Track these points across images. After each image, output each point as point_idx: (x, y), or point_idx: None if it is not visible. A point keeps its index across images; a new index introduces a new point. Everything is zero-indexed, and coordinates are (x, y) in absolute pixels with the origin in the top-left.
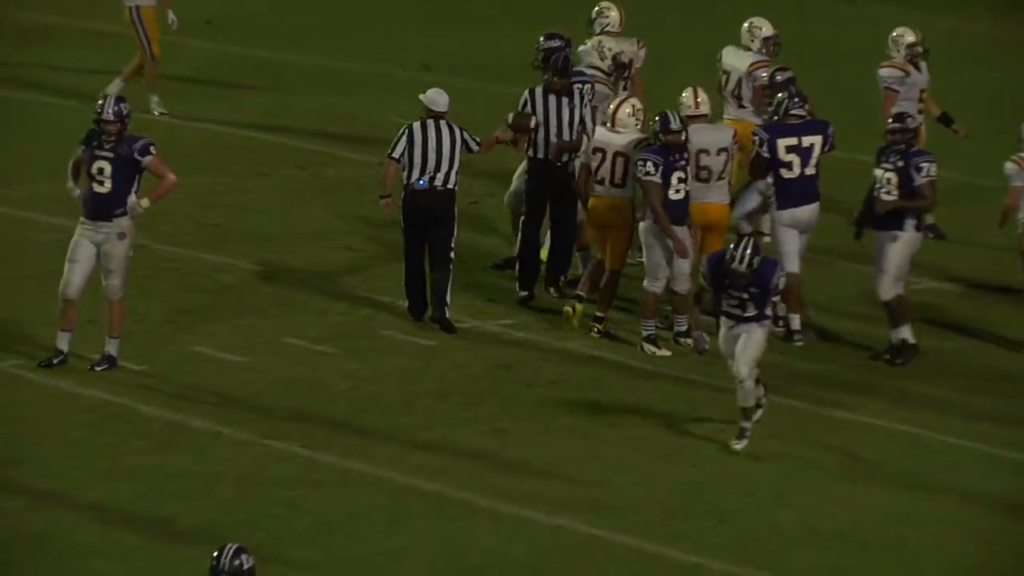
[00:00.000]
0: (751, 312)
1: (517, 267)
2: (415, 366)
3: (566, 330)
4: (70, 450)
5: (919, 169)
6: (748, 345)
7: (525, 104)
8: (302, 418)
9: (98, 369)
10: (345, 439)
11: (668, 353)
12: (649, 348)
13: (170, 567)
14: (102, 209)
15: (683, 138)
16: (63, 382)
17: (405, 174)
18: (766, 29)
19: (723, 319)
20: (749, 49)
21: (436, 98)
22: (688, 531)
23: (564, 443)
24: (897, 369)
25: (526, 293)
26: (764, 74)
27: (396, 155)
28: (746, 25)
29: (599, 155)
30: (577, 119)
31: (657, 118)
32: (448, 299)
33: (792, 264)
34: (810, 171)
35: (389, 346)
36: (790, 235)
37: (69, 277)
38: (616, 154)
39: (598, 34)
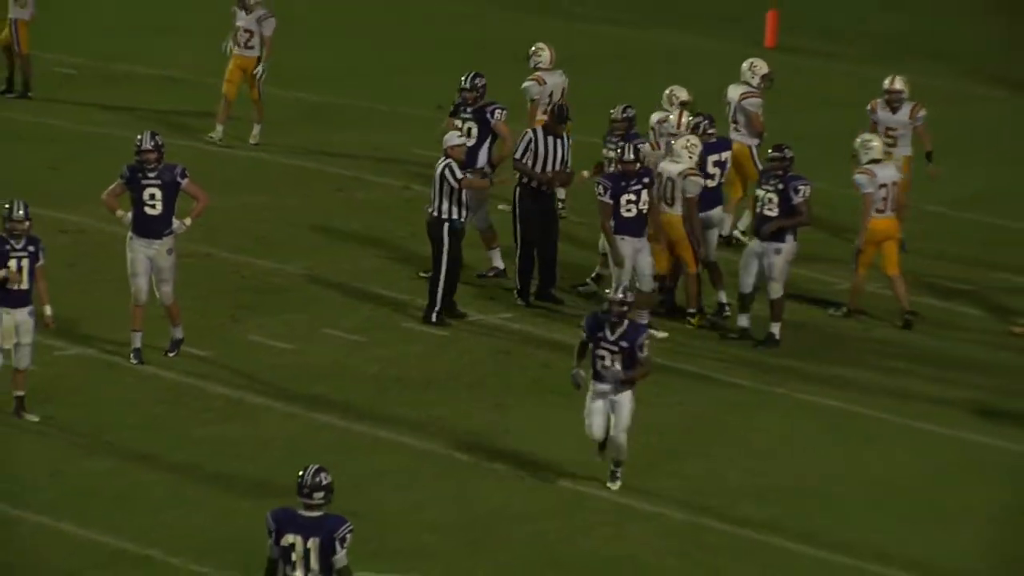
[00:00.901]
0: (615, 377)
1: (518, 278)
2: (431, 352)
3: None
4: (150, 422)
5: (796, 191)
6: (620, 415)
7: (531, 142)
8: (338, 394)
9: (171, 354)
10: (373, 412)
11: (663, 335)
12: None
13: (229, 516)
14: (155, 229)
15: (637, 167)
16: (146, 367)
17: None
18: (762, 67)
19: (592, 385)
20: (748, 84)
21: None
22: (655, 487)
23: (553, 415)
24: (831, 355)
25: (523, 303)
26: (751, 103)
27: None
28: (746, 64)
29: (660, 180)
30: (566, 158)
31: (618, 149)
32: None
33: (711, 255)
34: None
35: (409, 336)
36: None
37: (138, 288)
38: (669, 179)
39: (533, 69)
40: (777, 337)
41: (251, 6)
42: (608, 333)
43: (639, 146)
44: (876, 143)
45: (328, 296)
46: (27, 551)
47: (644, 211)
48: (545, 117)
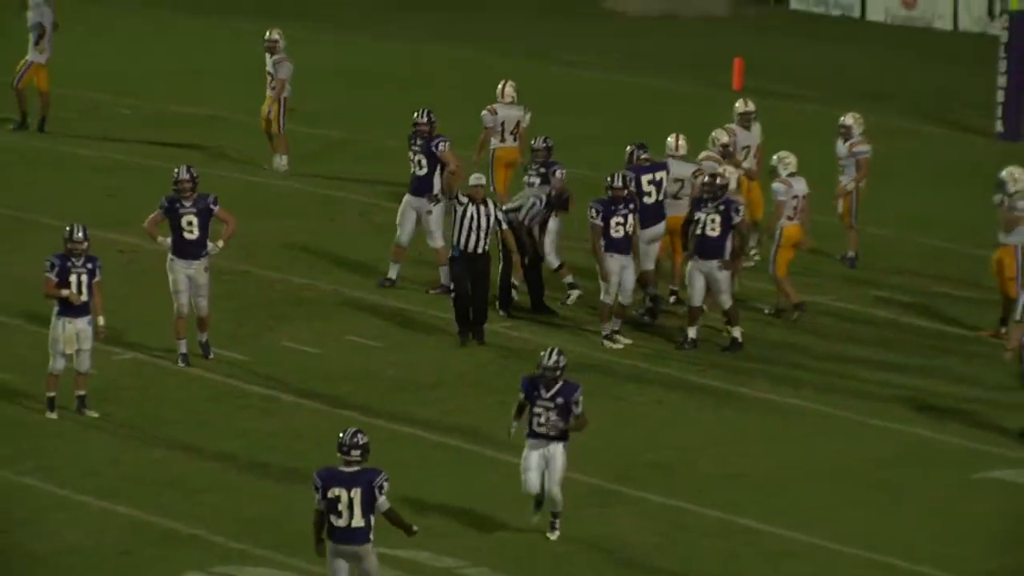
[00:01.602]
0: (555, 426)
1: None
2: (441, 357)
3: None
4: (195, 417)
5: (737, 211)
6: (554, 468)
7: (534, 205)
8: (360, 393)
9: (210, 357)
10: (390, 408)
11: (627, 342)
12: (607, 344)
13: (264, 499)
14: (192, 251)
15: (625, 193)
16: (191, 369)
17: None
18: (742, 107)
19: (528, 441)
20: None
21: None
22: (637, 475)
23: None
24: (790, 360)
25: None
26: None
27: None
28: (738, 103)
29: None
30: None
31: (609, 177)
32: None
33: (648, 264)
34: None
35: (422, 342)
36: (649, 247)
37: (180, 304)
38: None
39: (497, 103)
40: (740, 340)
41: (275, 51)
42: (543, 391)
43: (558, 172)
44: (792, 159)
45: (351, 307)
46: (91, 532)
47: (629, 232)
48: (496, 142)
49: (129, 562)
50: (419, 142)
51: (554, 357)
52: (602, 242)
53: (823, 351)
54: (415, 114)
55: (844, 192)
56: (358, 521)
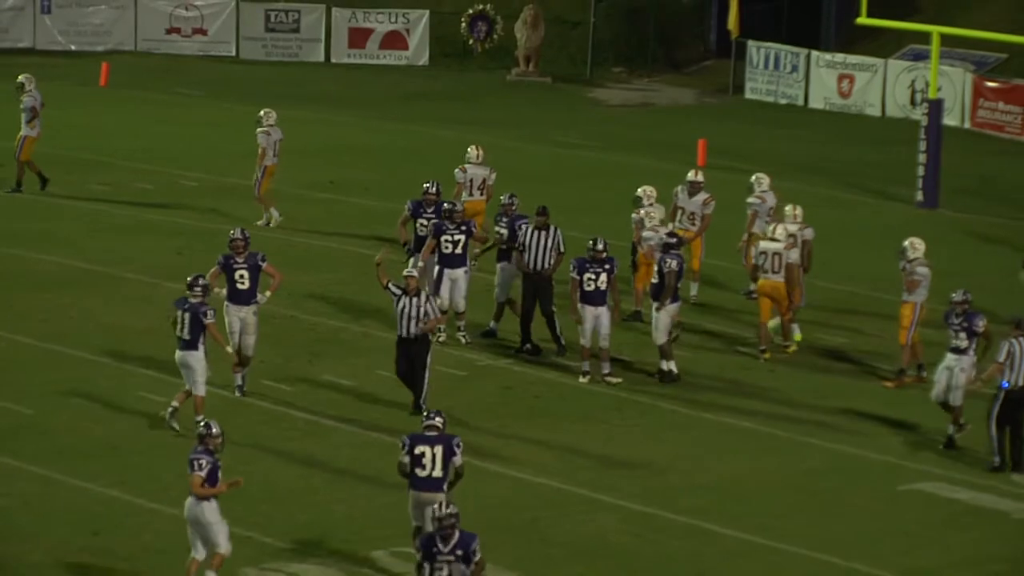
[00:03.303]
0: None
1: (522, 330)
2: (453, 387)
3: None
4: (249, 437)
5: (665, 263)
6: None
7: (526, 233)
8: (385, 418)
9: (243, 391)
10: (411, 430)
11: (618, 380)
12: (580, 379)
13: (308, 506)
14: (244, 298)
15: (603, 255)
16: (247, 398)
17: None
18: (692, 176)
19: None
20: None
21: None
22: (618, 485)
23: (541, 433)
24: (743, 391)
25: (530, 346)
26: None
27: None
28: (690, 172)
29: (763, 256)
30: (553, 246)
31: (590, 241)
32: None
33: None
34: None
35: (436, 377)
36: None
37: (235, 343)
38: (775, 254)
39: (467, 164)
40: (675, 372)
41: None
42: (442, 547)
43: (522, 225)
44: (767, 179)
45: (379, 347)
46: (162, 535)
47: (603, 288)
48: (466, 195)
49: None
50: (430, 209)
51: (445, 509)
52: (577, 294)
53: (771, 384)
54: (425, 185)
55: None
56: (438, 472)
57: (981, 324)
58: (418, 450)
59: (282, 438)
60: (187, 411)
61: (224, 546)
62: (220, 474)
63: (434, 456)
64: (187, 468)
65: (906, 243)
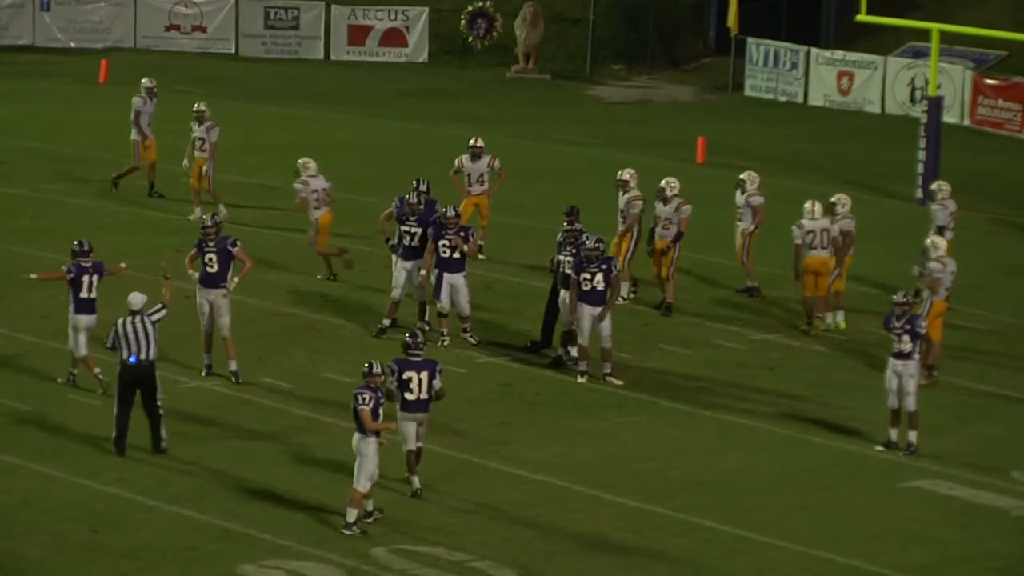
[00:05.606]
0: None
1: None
2: (455, 384)
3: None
4: (249, 434)
5: (611, 271)
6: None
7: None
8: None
9: (240, 382)
10: None
11: (619, 383)
12: (579, 379)
13: (306, 501)
14: (213, 282)
15: (599, 254)
16: (246, 395)
17: None
18: (671, 187)
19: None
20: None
21: None
22: (616, 482)
23: (541, 430)
24: (740, 392)
25: (540, 341)
26: (755, 200)
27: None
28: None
29: (811, 235)
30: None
31: (585, 239)
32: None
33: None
34: None
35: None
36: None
37: (205, 324)
38: (823, 230)
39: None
40: (617, 382)
41: (203, 120)
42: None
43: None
44: (757, 177)
45: (380, 345)
46: (161, 531)
47: (600, 288)
48: (466, 187)
49: (193, 556)
50: (413, 218)
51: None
52: (576, 293)
53: (767, 385)
54: (414, 184)
55: (744, 235)
56: (424, 395)
57: (923, 325)
58: (406, 375)
59: (281, 434)
60: (186, 400)
61: (361, 482)
62: (380, 410)
63: (420, 381)
64: (351, 402)
65: (927, 242)
